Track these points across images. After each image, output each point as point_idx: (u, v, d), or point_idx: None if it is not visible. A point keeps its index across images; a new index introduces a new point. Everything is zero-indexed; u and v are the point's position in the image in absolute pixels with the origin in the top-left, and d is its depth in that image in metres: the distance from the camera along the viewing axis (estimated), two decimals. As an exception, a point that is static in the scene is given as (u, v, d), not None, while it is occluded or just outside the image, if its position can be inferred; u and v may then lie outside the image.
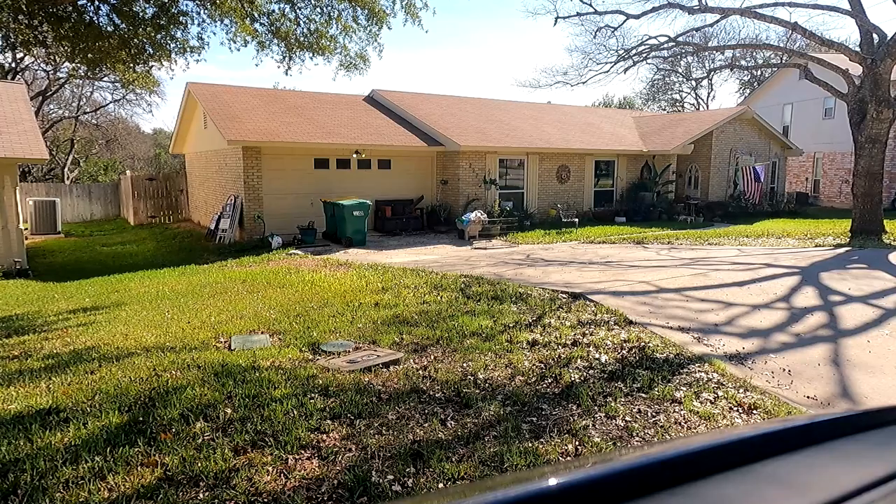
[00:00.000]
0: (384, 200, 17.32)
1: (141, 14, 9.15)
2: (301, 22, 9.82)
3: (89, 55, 9.31)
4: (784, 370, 5.37)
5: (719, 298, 8.04)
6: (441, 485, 3.24)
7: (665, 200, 21.04)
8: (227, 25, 9.54)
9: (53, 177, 33.57)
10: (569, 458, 3.60)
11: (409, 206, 17.64)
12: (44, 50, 11.02)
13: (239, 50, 36.95)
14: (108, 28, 9.14)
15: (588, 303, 7.69)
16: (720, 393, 4.69)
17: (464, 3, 66.05)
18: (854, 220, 14.57)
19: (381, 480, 3.25)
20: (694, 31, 18.63)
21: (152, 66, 10.18)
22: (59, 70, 29.20)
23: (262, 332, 6.45)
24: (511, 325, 6.56)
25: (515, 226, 17.23)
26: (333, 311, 7.34)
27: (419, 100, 20.82)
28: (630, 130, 23.27)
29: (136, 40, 9.31)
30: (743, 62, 31.28)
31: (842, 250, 12.43)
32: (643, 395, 4.59)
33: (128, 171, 24.15)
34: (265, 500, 3.07)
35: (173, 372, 5.00)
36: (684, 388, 4.73)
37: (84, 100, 34.76)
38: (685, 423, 4.15)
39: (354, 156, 16.72)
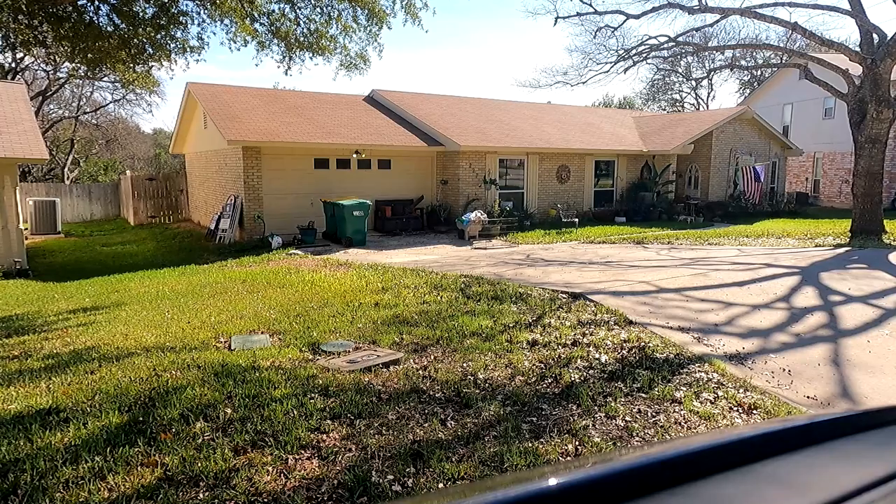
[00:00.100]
0: (384, 200, 17.32)
1: (141, 14, 9.15)
2: (301, 22, 9.82)
3: (89, 55, 9.31)
4: (784, 370, 5.37)
5: (719, 298, 8.04)
6: (441, 485, 3.24)
7: (665, 200, 21.04)
8: (227, 25, 9.55)
9: (53, 177, 33.57)
10: (569, 458, 3.60)
11: (409, 206, 17.64)
12: (44, 50, 11.03)
13: (239, 50, 36.96)
14: (108, 28, 9.14)
15: (588, 303, 7.69)
16: (720, 393, 4.69)
17: (464, 3, 66.07)
18: (854, 220, 14.57)
19: (381, 480, 3.25)
20: (694, 31, 18.63)
21: (152, 66, 10.18)
22: (59, 70, 29.21)
23: (262, 332, 6.45)
24: (511, 325, 6.56)
25: (515, 226, 17.23)
26: (333, 311, 7.34)
27: (419, 100, 20.82)
28: (630, 130, 23.27)
29: (136, 40, 9.31)
30: (743, 62, 31.28)
31: (842, 250, 12.43)
32: (643, 395, 4.59)
33: (128, 171, 24.16)
34: (265, 500, 3.07)
35: (173, 372, 5.00)
36: (684, 388, 4.73)
37: (84, 100, 34.78)
38: (685, 423, 4.15)
39: (354, 156, 16.73)
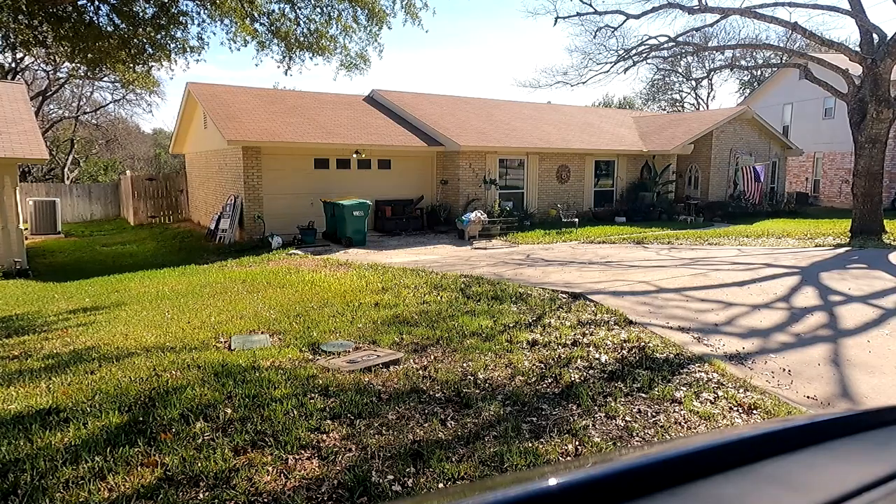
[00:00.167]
0: (384, 200, 17.32)
1: (141, 14, 9.16)
2: (301, 22, 9.83)
3: (89, 55, 9.32)
4: (784, 370, 5.37)
5: (719, 298, 8.04)
6: (441, 485, 3.24)
7: (665, 200, 21.04)
8: (227, 25, 9.55)
9: (53, 177, 33.58)
10: (569, 458, 3.60)
11: (409, 206, 17.64)
12: (44, 50, 11.03)
13: (239, 50, 36.96)
14: (108, 28, 9.14)
15: (588, 303, 7.69)
16: (720, 393, 4.69)
17: (464, 3, 66.07)
18: (854, 220, 14.57)
19: (381, 480, 3.25)
20: (694, 31, 18.63)
21: (152, 66, 10.18)
22: (59, 70, 29.21)
23: (262, 332, 6.45)
24: (511, 325, 6.56)
25: (515, 226, 17.23)
26: (333, 311, 7.34)
27: (419, 100, 20.82)
28: (630, 130, 23.27)
29: (136, 40, 9.32)
30: (743, 62, 31.28)
31: (842, 250, 12.43)
32: (643, 395, 4.59)
33: (128, 171, 24.16)
34: (265, 500, 3.07)
35: (173, 372, 5.00)
36: (684, 388, 4.73)
37: (84, 100, 34.79)
38: (685, 423, 4.15)
39: (354, 156, 16.73)
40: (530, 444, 3.71)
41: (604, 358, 5.48)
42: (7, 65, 26.26)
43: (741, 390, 4.78)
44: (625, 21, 17.10)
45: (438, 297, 8.03)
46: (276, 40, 9.88)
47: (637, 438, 3.91)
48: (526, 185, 19.26)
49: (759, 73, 39.13)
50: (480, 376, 4.97)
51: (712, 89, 45.81)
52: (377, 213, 17.15)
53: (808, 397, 4.81)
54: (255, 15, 9.52)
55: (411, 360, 5.44)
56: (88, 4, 8.98)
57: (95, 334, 6.66)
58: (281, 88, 24.65)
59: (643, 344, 5.88)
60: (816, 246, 13.25)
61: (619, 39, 38.34)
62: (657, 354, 5.59)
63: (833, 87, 14.87)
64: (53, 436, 3.74)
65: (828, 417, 1.04)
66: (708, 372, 5.17)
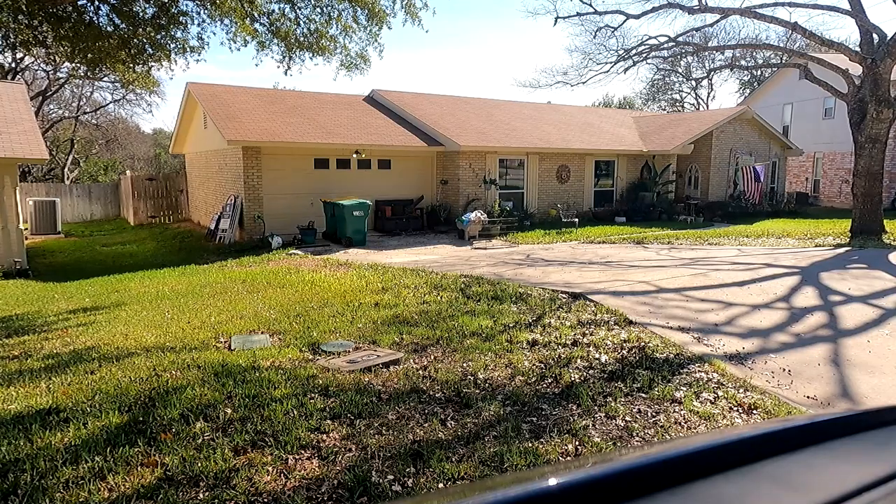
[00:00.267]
0: (384, 200, 17.32)
1: (141, 14, 9.16)
2: (301, 22, 9.83)
3: (89, 55, 9.32)
4: (784, 370, 5.37)
5: (719, 298, 8.04)
6: (441, 485, 3.24)
7: (665, 200, 21.04)
8: (227, 25, 9.55)
9: (53, 177, 33.57)
10: (569, 458, 3.60)
11: (409, 206, 17.64)
12: (44, 50, 11.03)
13: (239, 50, 36.96)
14: (108, 28, 9.14)
15: (588, 303, 7.69)
16: (720, 393, 4.69)
17: (464, 3, 66.10)
18: (854, 220, 14.57)
19: (381, 480, 3.25)
20: (694, 31, 18.63)
21: (152, 66, 10.18)
22: (59, 70, 29.21)
23: (262, 332, 6.45)
24: (511, 325, 6.56)
25: (515, 226, 17.23)
26: (333, 311, 7.34)
27: (419, 100, 20.82)
28: (630, 130, 23.27)
29: (136, 40, 9.32)
30: (743, 62, 31.28)
31: (842, 250, 12.43)
32: (643, 395, 4.59)
33: (128, 172, 24.16)
34: (265, 500, 3.07)
35: (173, 372, 5.00)
36: (684, 388, 4.73)
37: (84, 100, 34.78)
38: (685, 423, 4.15)
39: (354, 156, 16.73)
40: (530, 444, 3.71)
41: (604, 358, 5.48)
42: (7, 65, 26.27)
43: (741, 390, 4.78)
44: (625, 21, 17.11)
45: (438, 297, 8.03)
46: (276, 40, 9.88)
47: (637, 438, 3.91)
48: (526, 185, 19.26)
49: (759, 73, 39.13)
50: (480, 376, 4.97)
51: (712, 89, 45.85)
52: (377, 213, 17.15)
53: (808, 397, 4.81)
54: (255, 15, 9.52)
55: (411, 360, 5.44)
56: (88, 4, 8.99)
57: (95, 334, 6.66)
58: (281, 88, 24.65)
59: (643, 344, 5.88)
60: (816, 246, 13.25)
61: (619, 39, 38.36)
62: (657, 354, 5.59)
63: (833, 87, 14.87)
64: (53, 436, 3.74)
65: (828, 417, 1.04)
66: (708, 372, 5.17)
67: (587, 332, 6.33)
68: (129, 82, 11.82)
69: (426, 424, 4.00)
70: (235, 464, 3.41)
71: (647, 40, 16.73)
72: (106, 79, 29.43)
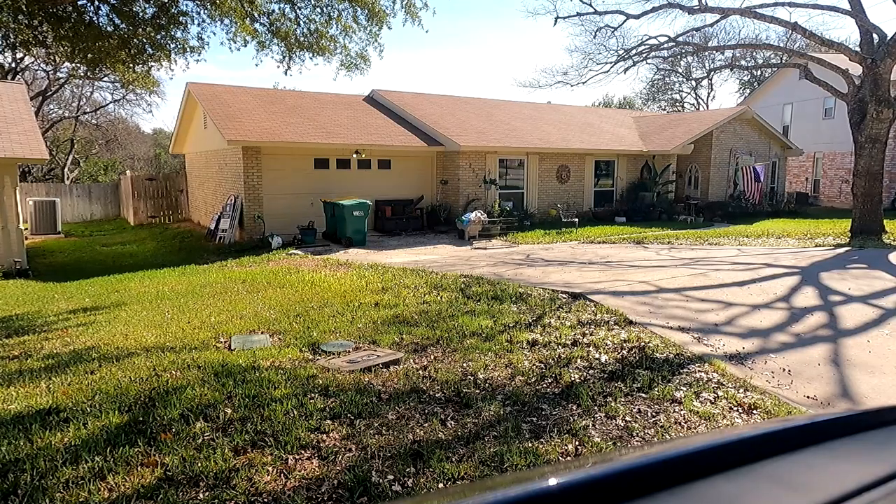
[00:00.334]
0: (384, 200, 17.32)
1: (141, 14, 9.16)
2: (301, 22, 9.83)
3: (89, 55, 9.32)
4: (784, 370, 5.37)
5: (719, 298, 8.04)
6: (441, 485, 3.24)
7: (665, 200, 21.04)
8: (227, 25, 9.55)
9: (53, 177, 33.57)
10: (569, 458, 3.60)
11: (409, 206, 17.64)
12: (44, 50, 11.03)
13: (239, 50, 36.96)
14: (108, 28, 9.14)
15: (588, 303, 7.69)
16: (720, 393, 4.69)
17: (464, 3, 66.10)
18: (854, 220, 14.57)
19: (381, 480, 3.25)
20: (694, 31, 18.63)
21: (152, 66, 10.19)
22: (59, 70, 29.21)
23: (262, 332, 6.45)
24: (511, 325, 6.56)
25: (515, 226, 17.23)
26: (333, 311, 7.34)
27: (419, 100, 20.82)
28: (630, 130, 23.27)
29: (136, 40, 9.32)
30: (743, 62, 31.28)
31: (842, 250, 12.43)
32: (643, 395, 4.59)
33: (128, 171, 24.16)
34: (265, 500, 3.07)
35: (173, 372, 5.00)
36: (684, 388, 4.73)
37: (84, 100, 34.78)
38: (685, 423, 4.15)
39: (354, 156, 16.73)
40: (530, 444, 3.71)
41: (604, 358, 5.48)
42: (7, 65, 26.27)
43: (741, 390, 4.78)
44: (625, 21, 17.10)
45: (438, 297, 8.03)
46: (276, 40, 9.88)
47: (637, 438, 3.91)
48: (526, 185, 19.26)
49: (759, 73, 39.13)
50: (480, 376, 4.97)
51: (712, 89, 45.85)
52: (377, 213, 17.15)
53: (808, 397, 4.80)
54: (255, 15, 9.52)
55: (411, 360, 5.44)
56: (88, 4, 8.99)
57: (95, 334, 6.66)
58: (281, 88, 24.65)
59: (643, 344, 5.88)
60: (816, 246, 13.25)
61: (619, 39, 38.36)
62: (657, 354, 5.59)
63: (833, 87, 14.87)
64: (53, 436, 3.74)
65: (828, 417, 1.04)
66: (708, 372, 5.17)
67: (587, 332, 6.33)
68: (129, 82, 11.83)
69: (426, 424, 4.00)
70: (235, 464, 3.41)
71: (647, 40, 16.74)
72: (106, 79, 29.44)
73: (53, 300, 9.50)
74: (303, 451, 3.60)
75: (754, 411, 4.38)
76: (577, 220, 17.95)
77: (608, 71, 17.62)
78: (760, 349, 5.98)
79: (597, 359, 5.45)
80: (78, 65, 11.38)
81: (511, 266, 11.30)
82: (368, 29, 10.10)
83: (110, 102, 35.75)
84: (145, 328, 6.85)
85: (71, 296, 9.81)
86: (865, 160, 14.12)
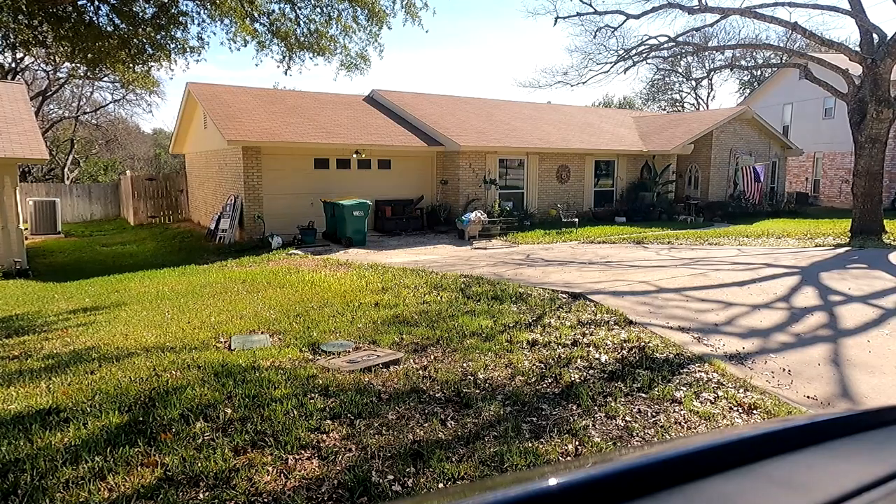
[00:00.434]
0: (384, 200, 17.32)
1: (141, 14, 9.16)
2: (301, 22, 9.83)
3: (89, 55, 9.32)
4: (784, 370, 5.37)
5: (719, 298, 8.04)
6: (441, 485, 3.24)
7: (665, 200, 21.04)
8: (227, 25, 9.55)
9: (53, 177, 33.57)
10: (569, 458, 3.60)
11: (409, 206, 17.64)
12: (44, 50, 11.03)
13: (239, 50, 36.97)
14: (108, 28, 9.15)
15: (588, 303, 7.69)
16: (720, 393, 4.69)
17: (464, 3, 66.11)
18: (854, 220, 14.57)
19: (381, 480, 3.25)
20: (694, 31, 18.63)
21: (152, 66, 10.19)
22: (59, 70, 29.21)
23: (262, 332, 6.45)
24: (511, 325, 6.56)
25: (515, 226, 17.23)
26: (333, 311, 7.34)
27: (419, 100, 20.82)
28: (630, 130, 23.27)
29: (135, 40, 9.32)
30: (743, 62, 31.28)
31: (842, 250, 12.43)
32: (643, 395, 4.59)
33: (128, 172, 24.16)
34: (265, 500, 3.07)
35: (173, 372, 5.00)
36: (684, 388, 4.73)
37: (84, 100, 34.78)
38: (685, 423, 4.15)
39: (354, 156, 16.73)
40: (530, 444, 3.71)
41: (604, 358, 5.48)
42: (7, 65, 26.27)
43: (741, 390, 4.78)
44: (625, 21, 17.10)
45: (438, 297, 8.03)
46: (276, 40, 9.89)
47: (637, 438, 3.91)
48: (526, 185, 19.26)
49: (759, 73, 39.13)
50: (480, 376, 4.97)
51: (712, 89, 45.86)
52: (377, 213, 17.15)
53: (808, 397, 4.80)
54: (255, 15, 9.52)
55: (411, 360, 5.44)
56: (88, 4, 8.99)
57: (95, 334, 6.66)
58: (281, 88, 24.66)
59: (643, 344, 5.88)
60: (816, 246, 13.25)
61: (619, 39, 38.38)
62: (657, 354, 5.59)
63: (833, 87, 14.87)
64: (53, 436, 3.74)
65: (828, 417, 1.04)
66: (708, 372, 5.17)
67: (587, 332, 6.33)
68: (129, 82, 11.84)
69: (426, 424, 4.00)
70: (235, 464, 3.41)
71: (647, 40, 16.73)
72: (106, 79, 29.43)
73: (53, 300, 9.50)
74: (303, 451, 3.60)
75: (754, 411, 4.38)
76: (577, 220, 17.95)
77: (608, 71, 17.63)
78: (760, 349, 5.98)
79: (597, 359, 5.45)
80: (78, 65, 11.39)
81: (511, 266, 11.30)
82: (368, 29, 10.10)
83: (110, 102, 35.79)
84: (145, 328, 6.85)
85: (71, 296, 9.81)
86: (865, 160, 14.12)
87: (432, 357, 5.53)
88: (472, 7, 77.90)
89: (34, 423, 3.92)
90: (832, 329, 6.63)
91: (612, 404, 4.37)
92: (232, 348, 5.86)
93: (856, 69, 14.97)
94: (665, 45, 16.77)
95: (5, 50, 10.62)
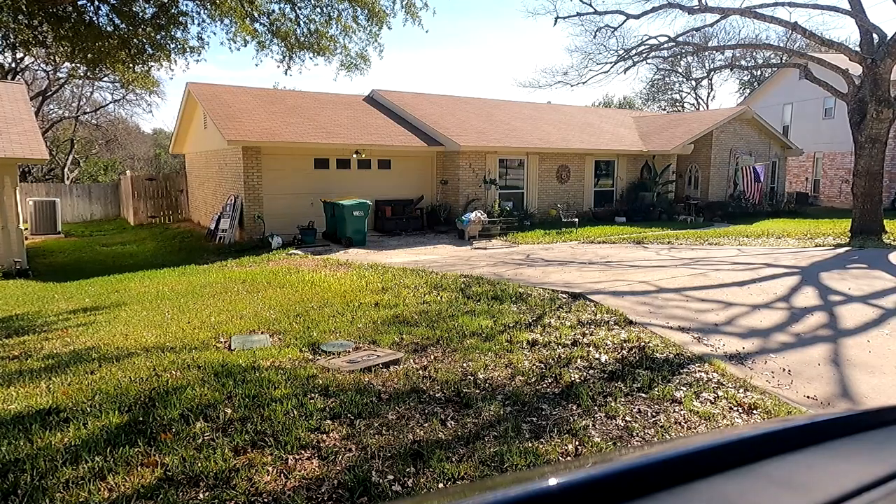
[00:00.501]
0: (384, 200, 17.32)
1: (141, 14, 9.16)
2: (301, 22, 9.83)
3: (89, 55, 9.32)
4: (784, 370, 5.37)
5: (719, 298, 8.04)
6: (441, 485, 3.24)
7: (665, 200, 21.04)
8: (227, 25, 9.55)
9: (53, 177, 33.57)
10: (569, 458, 3.60)
11: (409, 206, 17.64)
12: (44, 50, 11.03)
13: (239, 50, 36.97)
14: (108, 28, 9.14)
15: (588, 303, 7.69)
16: (720, 393, 4.69)
17: (464, 3, 66.11)
18: (854, 220, 14.57)
19: (381, 480, 3.25)
20: (694, 31, 18.62)
21: (152, 66, 10.18)
22: (59, 70, 29.21)
23: (262, 332, 6.45)
24: (511, 325, 6.56)
25: (515, 226, 17.23)
26: (333, 311, 7.34)
27: (419, 100, 20.82)
28: (630, 130, 23.27)
29: (135, 40, 9.32)
30: (743, 62, 31.28)
31: (842, 250, 12.43)
32: (643, 394, 4.59)
33: (128, 172, 24.16)
34: (265, 500, 3.07)
35: (173, 372, 5.00)
36: (684, 388, 4.73)
37: (84, 100, 34.78)
38: (685, 423, 4.15)
39: (354, 156, 16.73)
40: (530, 444, 3.71)
41: (604, 358, 5.48)
42: (7, 65, 26.27)
43: (741, 390, 4.78)
44: (625, 21, 17.10)
45: (438, 297, 8.03)
46: (276, 40, 9.89)
47: (637, 438, 3.91)
48: (526, 185, 19.26)
49: (759, 73, 39.13)
50: (480, 376, 4.97)
51: (712, 89, 45.85)
52: (377, 213, 17.15)
53: (808, 397, 4.81)
54: (255, 15, 9.52)
55: (411, 360, 5.44)
56: (88, 4, 8.99)
57: (95, 334, 6.66)
58: (281, 88, 24.66)
59: (643, 344, 5.88)
60: (816, 246, 13.25)
61: (619, 39, 38.39)
62: (657, 354, 5.59)
63: (833, 87, 14.87)
64: (53, 436, 3.74)
65: (828, 417, 1.04)
66: (708, 372, 5.17)
67: (587, 332, 6.33)
68: (129, 82, 11.83)
69: (426, 424, 4.00)
70: (235, 464, 3.41)
71: (647, 40, 16.73)
72: (106, 79, 29.43)
73: (53, 300, 9.50)
74: (303, 451, 3.60)
75: (754, 411, 4.38)
76: (577, 220, 17.95)
77: (608, 71, 17.62)
78: (760, 349, 5.98)
79: (597, 359, 5.45)
80: (78, 65, 11.39)
81: (511, 266, 11.30)
82: (368, 29, 10.10)
83: (110, 102, 35.79)
84: (145, 328, 6.85)
85: (71, 296, 9.81)
86: (865, 160, 14.12)
87: (432, 357, 5.53)
88: (472, 7, 77.94)
89: (34, 423, 3.92)
90: (832, 329, 6.63)
91: (612, 404, 4.37)
92: (232, 348, 5.86)
93: (856, 69, 14.97)
94: (665, 45, 16.78)
95: (5, 50, 10.62)
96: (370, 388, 4.66)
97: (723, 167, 21.42)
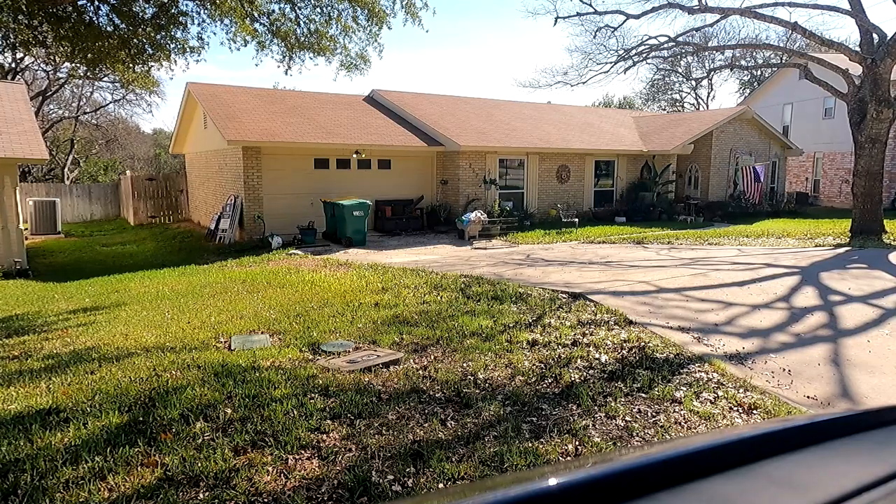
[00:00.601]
0: (384, 200, 17.32)
1: (141, 14, 9.16)
2: (301, 22, 9.83)
3: (89, 55, 9.32)
4: (784, 370, 5.37)
5: (719, 298, 8.04)
6: (441, 485, 3.24)
7: (665, 200, 21.04)
8: (227, 25, 9.55)
9: (53, 177, 33.57)
10: (569, 458, 3.60)
11: (409, 206, 17.64)
12: (44, 50, 11.03)
13: (239, 50, 36.97)
14: (108, 28, 9.15)
15: (588, 303, 7.69)
16: (720, 393, 4.69)
17: (464, 3, 66.11)
18: (854, 220, 14.57)
19: (381, 480, 3.25)
20: (694, 31, 18.62)
21: (152, 66, 10.18)
22: (59, 70, 29.21)
23: (262, 332, 6.45)
24: (511, 325, 6.56)
25: (515, 226, 17.22)
26: (333, 311, 7.34)
27: (419, 100, 20.82)
28: (630, 130, 23.27)
29: (135, 40, 9.32)
30: (743, 62, 31.28)
31: (842, 250, 12.43)
32: (643, 394, 4.59)
33: (128, 172, 24.16)
34: (265, 500, 3.07)
35: (173, 372, 5.00)
36: (684, 388, 4.73)
37: (84, 100, 34.77)
38: (685, 423, 4.15)
39: (354, 156, 16.73)
40: (530, 444, 3.71)
41: (604, 358, 5.48)
42: (7, 65, 26.26)
43: (741, 390, 4.78)
44: (625, 21, 17.09)
45: (438, 297, 8.03)
46: (276, 40, 9.89)
47: (637, 438, 3.91)
48: (526, 185, 19.26)
49: (759, 73, 39.13)
50: (480, 376, 4.97)
51: (712, 89, 45.85)
52: (377, 213, 17.15)
53: (808, 397, 4.80)
54: (255, 15, 9.52)
55: (411, 360, 5.44)
56: (88, 4, 8.99)
57: (95, 334, 6.66)
58: (281, 88, 24.66)
59: (643, 344, 5.88)
60: (816, 246, 13.25)
61: (619, 39, 38.36)
62: (657, 354, 5.59)
63: (833, 87, 14.87)
64: (53, 436, 3.74)
65: (828, 417, 1.04)
66: (708, 372, 5.17)
67: (587, 332, 6.33)
68: (129, 82, 11.83)
69: (426, 424, 4.00)
70: (235, 464, 3.41)
71: (647, 40, 16.73)
72: (106, 79, 29.42)
73: (53, 300, 9.50)
74: (303, 451, 3.60)
75: (754, 411, 4.38)
76: (577, 220, 17.95)
77: (608, 71, 17.62)
78: (760, 349, 5.98)
79: (597, 359, 5.45)
80: (78, 65, 11.39)
81: (511, 266, 11.30)
82: (368, 29, 10.10)
83: (110, 102, 35.78)
84: (145, 328, 6.85)
85: (71, 296, 9.81)
86: (865, 160, 14.12)
87: (432, 357, 5.53)
88: (472, 7, 77.94)
89: (34, 423, 3.92)
90: (832, 329, 6.63)
91: (612, 404, 4.37)
92: (232, 348, 5.86)
93: (856, 69, 14.97)
94: (665, 45, 16.78)
95: (5, 50, 10.62)
96: (370, 388, 4.66)
97: (723, 167, 21.42)
